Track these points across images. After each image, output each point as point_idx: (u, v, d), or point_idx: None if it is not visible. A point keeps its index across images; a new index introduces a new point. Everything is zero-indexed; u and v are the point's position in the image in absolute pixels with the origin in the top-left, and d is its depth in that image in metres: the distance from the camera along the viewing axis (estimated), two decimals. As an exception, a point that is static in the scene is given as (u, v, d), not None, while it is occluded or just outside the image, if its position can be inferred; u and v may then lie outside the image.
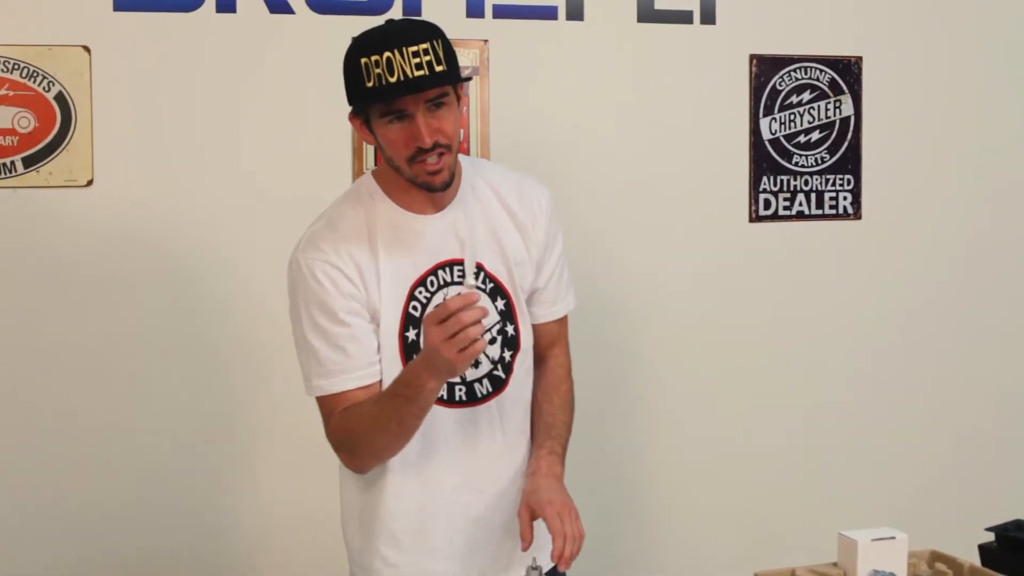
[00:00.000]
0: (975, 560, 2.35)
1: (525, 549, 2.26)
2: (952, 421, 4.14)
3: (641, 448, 3.82)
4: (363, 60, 2.17)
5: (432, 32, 2.21)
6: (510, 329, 2.39)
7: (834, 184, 3.94)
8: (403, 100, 2.18)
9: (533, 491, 2.34)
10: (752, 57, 3.83)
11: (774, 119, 3.86)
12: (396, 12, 3.47)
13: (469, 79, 2.21)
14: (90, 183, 3.33)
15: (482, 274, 2.35)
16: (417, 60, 2.14)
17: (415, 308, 2.31)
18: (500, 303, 2.37)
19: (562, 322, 2.55)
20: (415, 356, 2.25)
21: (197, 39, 3.38)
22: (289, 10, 3.43)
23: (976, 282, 4.14)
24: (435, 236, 2.32)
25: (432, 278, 2.32)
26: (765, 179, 3.86)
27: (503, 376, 2.39)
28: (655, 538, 3.87)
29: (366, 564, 2.43)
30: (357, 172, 3.49)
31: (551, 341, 2.53)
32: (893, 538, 2.23)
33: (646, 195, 3.77)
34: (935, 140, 4.05)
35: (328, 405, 2.32)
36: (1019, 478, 4.16)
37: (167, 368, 3.44)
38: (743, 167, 3.85)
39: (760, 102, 3.85)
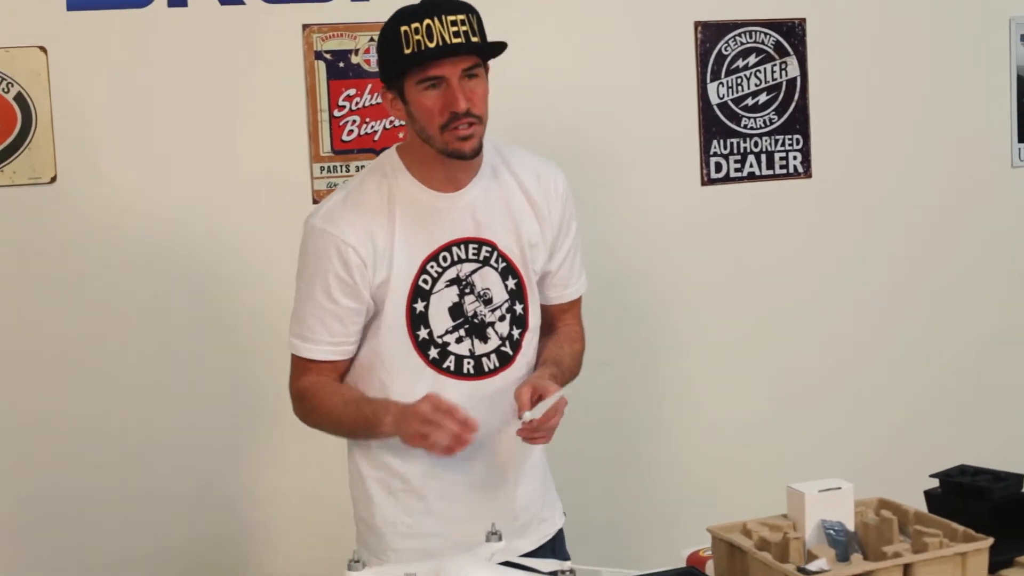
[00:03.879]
0: (922, 507, 2.41)
1: (520, 416, 2.33)
2: (902, 376, 4.20)
3: (597, 413, 3.81)
4: (403, 28, 2.28)
5: (468, 7, 2.33)
6: (519, 308, 2.50)
7: (784, 144, 4.00)
8: (440, 66, 2.29)
9: (540, 376, 2.43)
10: (697, 24, 3.88)
11: (721, 83, 3.92)
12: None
13: (503, 49, 2.35)
14: (54, 180, 3.38)
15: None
16: (455, 28, 2.27)
17: (425, 281, 2.41)
18: (511, 282, 2.48)
19: (574, 302, 2.66)
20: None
21: (150, 34, 3.42)
22: (239, 1, 3.47)
23: (929, 235, 4.20)
24: (453, 214, 2.42)
25: (445, 253, 2.42)
26: (715, 143, 3.92)
27: (511, 353, 2.50)
28: (611, 495, 3.92)
29: (372, 523, 2.54)
30: (314, 156, 3.55)
31: (562, 314, 2.63)
32: (839, 488, 2.27)
33: (598, 164, 3.81)
34: (881, 96, 4.10)
35: (299, 364, 2.47)
36: (964, 428, 4.24)
37: (140, 362, 3.48)
38: (693, 132, 3.90)
39: (707, 68, 3.90)
